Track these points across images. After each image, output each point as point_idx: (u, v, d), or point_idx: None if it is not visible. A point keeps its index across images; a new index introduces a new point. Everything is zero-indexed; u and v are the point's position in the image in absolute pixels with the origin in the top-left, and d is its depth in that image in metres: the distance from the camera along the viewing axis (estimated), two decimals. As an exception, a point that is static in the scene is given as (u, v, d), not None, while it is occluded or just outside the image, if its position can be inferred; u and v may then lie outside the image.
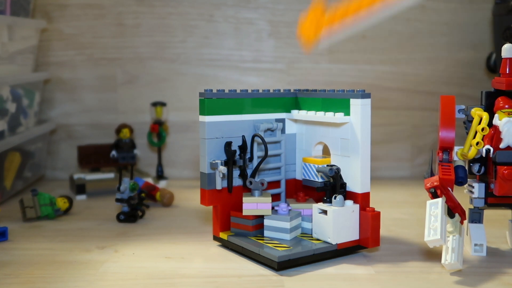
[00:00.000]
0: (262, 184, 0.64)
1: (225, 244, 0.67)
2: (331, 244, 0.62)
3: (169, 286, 0.56)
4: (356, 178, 0.64)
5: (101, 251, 0.67)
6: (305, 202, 0.68)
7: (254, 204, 0.64)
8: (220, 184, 0.65)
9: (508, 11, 0.98)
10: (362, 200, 0.64)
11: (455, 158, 0.64)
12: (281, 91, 0.71)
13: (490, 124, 0.62)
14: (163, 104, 1.08)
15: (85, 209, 0.90)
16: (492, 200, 0.65)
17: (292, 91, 0.72)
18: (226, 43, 1.15)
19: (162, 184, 1.07)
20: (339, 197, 0.62)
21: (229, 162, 0.65)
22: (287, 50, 1.15)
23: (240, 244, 0.64)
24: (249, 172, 0.67)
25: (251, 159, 0.67)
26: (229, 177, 0.66)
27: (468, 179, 0.65)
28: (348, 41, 1.15)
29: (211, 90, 0.65)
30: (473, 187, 0.65)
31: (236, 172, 0.67)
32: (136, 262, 0.63)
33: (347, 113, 0.64)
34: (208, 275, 0.59)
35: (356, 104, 0.63)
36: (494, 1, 1.03)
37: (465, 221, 0.62)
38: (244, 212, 0.65)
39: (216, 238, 0.69)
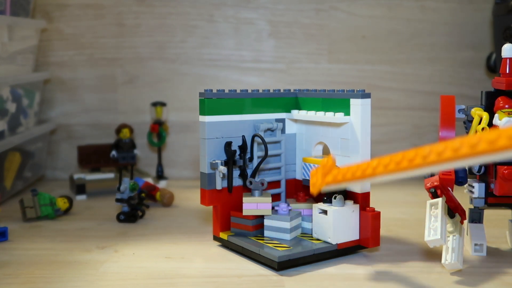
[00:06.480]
0: (262, 184, 0.64)
1: (225, 244, 0.67)
2: (331, 244, 0.62)
3: (169, 286, 0.56)
4: (356, 178, 0.64)
5: (101, 251, 0.67)
6: (305, 202, 0.68)
7: (254, 204, 0.64)
8: (220, 184, 0.65)
9: (508, 11, 0.98)
10: (362, 200, 0.64)
11: (455, 158, 0.63)
12: (281, 91, 0.71)
13: (490, 124, 0.62)
14: (163, 104, 1.08)
15: (85, 209, 0.90)
16: (492, 200, 0.65)
17: (292, 91, 0.72)
18: (226, 43, 1.15)
19: (162, 184, 1.07)
20: (339, 197, 0.62)
21: (229, 162, 0.65)
22: (287, 50, 1.15)
23: (240, 244, 0.64)
24: (249, 172, 0.67)
25: (251, 159, 0.67)
26: (229, 177, 0.66)
27: (468, 179, 0.65)
28: (348, 41, 1.15)
29: (211, 90, 0.65)
30: (473, 187, 0.65)
31: (236, 172, 0.67)
32: (136, 262, 0.63)
33: (347, 113, 0.64)
34: (208, 275, 0.59)
35: (356, 104, 0.63)
36: (494, 1, 1.03)
37: (465, 221, 0.62)
38: (244, 212, 0.65)
39: (216, 238, 0.69)
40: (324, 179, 0.50)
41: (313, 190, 0.52)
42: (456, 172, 0.62)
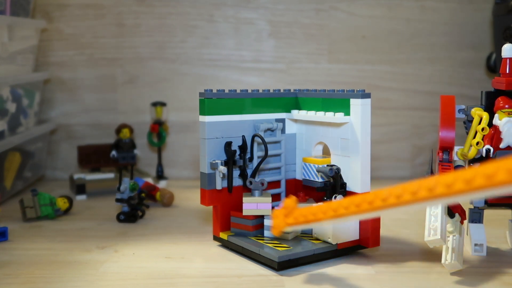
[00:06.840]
0: (262, 184, 0.64)
1: (225, 244, 0.67)
2: (331, 244, 0.62)
3: (169, 286, 0.56)
4: (356, 178, 0.64)
5: (101, 251, 0.67)
6: (305, 202, 0.68)
7: (254, 204, 0.64)
8: (220, 184, 0.65)
9: (508, 11, 0.98)
10: (362, 200, 0.64)
11: (455, 158, 0.64)
12: (281, 91, 0.71)
13: (490, 124, 0.62)
14: (163, 104, 1.08)
15: (85, 209, 0.90)
16: (492, 200, 0.65)
17: (292, 91, 0.72)
18: (226, 43, 1.15)
19: (162, 184, 1.07)
20: (339, 197, 0.62)
21: (229, 162, 0.65)
22: (287, 50, 1.15)
23: (240, 244, 0.64)
24: (249, 172, 0.67)
25: (251, 159, 0.67)
26: (229, 177, 0.66)
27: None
28: (348, 41, 1.15)
29: (211, 90, 0.65)
30: (473, 187, 0.65)
31: (236, 172, 0.67)
32: (136, 262, 0.63)
33: (347, 113, 0.64)
34: (208, 275, 0.59)
35: (356, 104, 0.63)
36: (494, 1, 1.03)
37: (465, 221, 0.62)
38: (244, 212, 0.65)
39: (216, 238, 0.69)
40: (286, 220, 0.51)
41: (275, 232, 0.52)
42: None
